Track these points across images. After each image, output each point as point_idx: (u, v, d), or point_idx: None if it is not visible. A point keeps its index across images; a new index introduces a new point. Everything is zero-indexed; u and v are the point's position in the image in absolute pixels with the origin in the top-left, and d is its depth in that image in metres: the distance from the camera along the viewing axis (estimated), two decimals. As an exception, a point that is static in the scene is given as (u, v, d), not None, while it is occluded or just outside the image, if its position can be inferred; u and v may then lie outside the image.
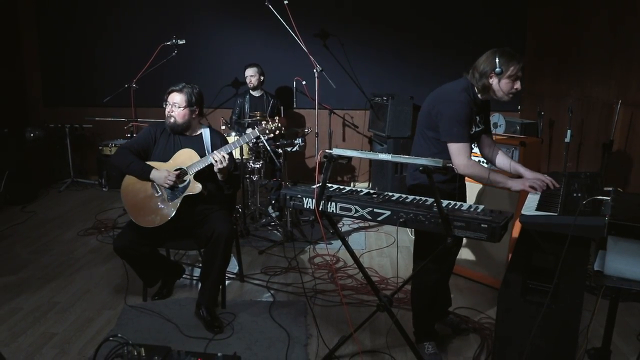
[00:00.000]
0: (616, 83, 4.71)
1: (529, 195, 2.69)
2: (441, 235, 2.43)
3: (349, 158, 2.61)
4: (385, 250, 4.86)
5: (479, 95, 2.89)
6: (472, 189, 3.92)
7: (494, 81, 2.81)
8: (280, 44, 6.74)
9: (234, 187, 3.55)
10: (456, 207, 2.54)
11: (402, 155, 2.56)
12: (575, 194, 2.60)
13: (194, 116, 3.53)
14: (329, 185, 2.81)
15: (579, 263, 2.43)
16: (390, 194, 2.76)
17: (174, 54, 6.16)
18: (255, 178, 5.43)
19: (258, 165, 5.35)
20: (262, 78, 6.00)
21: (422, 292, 3.07)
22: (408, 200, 2.68)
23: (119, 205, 5.98)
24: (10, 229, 5.35)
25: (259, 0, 5.34)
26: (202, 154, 3.43)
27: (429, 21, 6.90)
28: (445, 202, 2.57)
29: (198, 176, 3.39)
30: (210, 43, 7.12)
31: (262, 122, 3.45)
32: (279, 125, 3.44)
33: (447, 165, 2.33)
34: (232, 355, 2.23)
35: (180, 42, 6.08)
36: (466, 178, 3.19)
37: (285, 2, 5.15)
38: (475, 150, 3.32)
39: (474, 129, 2.91)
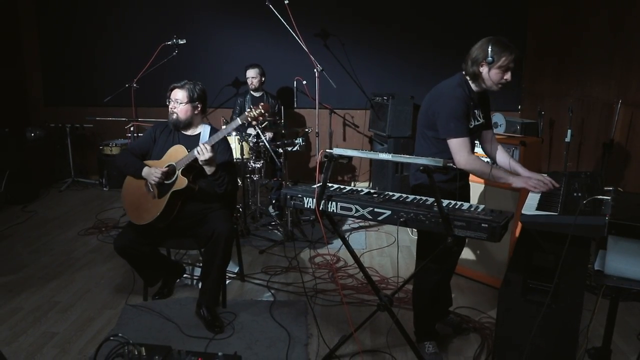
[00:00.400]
0: (616, 83, 4.72)
1: (530, 195, 2.69)
2: (442, 235, 2.43)
3: (350, 158, 2.61)
4: (386, 250, 4.87)
5: (473, 88, 2.88)
6: (475, 189, 3.92)
7: (484, 70, 2.79)
8: (280, 43, 6.74)
9: (225, 185, 3.43)
10: (457, 207, 2.54)
11: (402, 155, 2.57)
12: (575, 194, 2.60)
13: (196, 112, 3.53)
14: (330, 184, 2.81)
15: (579, 263, 2.43)
16: (391, 193, 2.76)
17: (174, 53, 6.16)
18: (255, 178, 5.43)
19: (258, 165, 5.35)
20: (263, 79, 6.00)
21: (423, 292, 3.07)
22: (408, 199, 2.68)
23: (119, 205, 5.98)
24: (11, 229, 5.36)
25: (260, 0, 5.35)
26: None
27: (429, 21, 6.90)
28: (445, 202, 2.57)
29: (189, 172, 3.37)
30: (211, 43, 7.12)
31: (245, 111, 3.41)
32: (262, 111, 3.39)
33: (448, 164, 2.32)
34: (232, 355, 2.23)
35: (181, 41, 6.08)
36: (470, 177, 3.18)
37: (286, 2, 5.15)
38: (478, 150, 3.32)
39: (473, 123, 2.89)
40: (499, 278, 3.79)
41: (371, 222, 5.28)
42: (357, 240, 5.11)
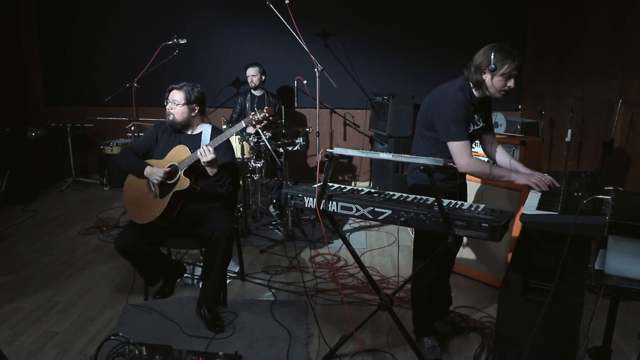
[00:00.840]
0: (617, 82, 4.72)
1: (530, 195, 2.69)
2: (440, 234, 2.43)
3: (350, 157, 2.61)
4: (386, 250, 4.87)
5: (475, 94, 2.89)
6: (471, 188, 3.92)
7: (487, 77, 2.79)
8: (281, 43, 6.75)
9: (227, 186, 3.41)
10: (457, 207, 2.54)
11: (402, 155, 2.57)
12: (575, 193, 2.60)
13: (193, 114, 3.53)
14: (330, 184, 2.81)
15: (580, 262, 2.43)
16: (391, 193, 2.76)
17: (175, 53, 6.16)
18: (256, 177, 5.43)
19: (259, 165, 5.36)
20: (263, 77, 6.00)
21: (421, 290, 3.08)
22: (409, 199, 2.68)
23: (120, 204, 5.99)
24: (12, 228, 5.36)
25: (260, 0, 5.35)
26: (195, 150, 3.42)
27: (429, 21, 6.91)
28: (446, 202, 2.57)
29: (192, 173, 3.38)
30: (212, 42, 7.12)
31: (250, 114, 3.42)
32: (267, 115, 3.40)
33: (448, 164, 2.33)
34: (233, 354, 2.23)
35: (182, 41, 6.08)
36: (467, 176, 3.19)
37: (286, 1, 5.15)
38: (478, 150, 3.33)
39: (472, 128, 2.90)
40: (499, 277, 3.80)
41: (372, 222, 5.29)
42: (358, 239, 5.11)
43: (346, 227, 5.51)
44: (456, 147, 2.79)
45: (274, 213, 5.59)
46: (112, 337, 2.21)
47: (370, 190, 2.82)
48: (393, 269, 4.37)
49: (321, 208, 2.66)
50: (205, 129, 3.58)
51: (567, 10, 5.83)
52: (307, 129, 5.75)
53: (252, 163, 5.34)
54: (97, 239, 5.07)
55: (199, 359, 2.19)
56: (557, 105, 5.86)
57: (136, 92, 6.16)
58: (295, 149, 5.42)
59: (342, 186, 2.87)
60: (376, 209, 2.54)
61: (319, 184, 2.67)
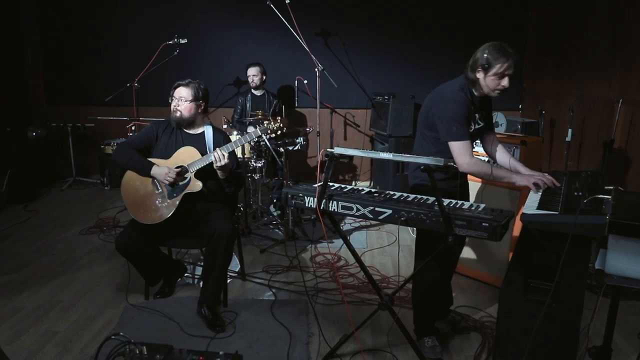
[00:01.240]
0: (617, 82, 4.72)
1: (530, 194, 2.70)
2: (442, 234, 2.44)
3: (351, 157, 2.61)
4: (387, 249, 4.87)
5: (475, 93, 2.89)
6: (472, 187, 3.92)
7: (480, 75, 2.79)
8: (281, 43, 6.75)
9: (235, 186, 3.53)
10: (457, 206, 2.54)
11: (403, 154, 2.57)
12: (576, 193, 2.60)
13: (199, 111, 3.55)
14: (331, 184, 2.82)
15: (580, 262, 2.43)
16: (392, 192, 2.76)
17: (175, 53, 6.17)
18: (257, 177, 5.43)
19: (260, 164, 5.36)
20: (264, 77, 6.00)
21: (422, 290, 3.08)
22: (409, 199, 2.68)
23: (120, 204, 5.99)
24: (13, 228, 5.36)
25: (261, 0, 5.35)
26: (203, 152, 3.43)
27: (430, 20, 6.91)
28: (446, 201, 2.57)
29: (199, 174, 3.39)
30: (212, 42, 7.12)
31: (264, 122, 3.46)
32: (281, 125, 3.45)
33: (449, 164, 2.33)
34: (233, 354, 2.23)
35: (182, 41, 6.09)
36: (468, 176, 3.19)
37: (287, 1, 5.15)
38: (479, 149, 3.33)
39: (473, 127, 2.90)
40: (499, 277, 3.80)
41: (372, 221, 5.28)
42: (358, 239, 5.12)
43: (347, 226, 5.51)
44: (457, 147, 2.79)
45: (275, 212, 5.60)
46: (113, 337, 2.21)
47: (370, 190, 2.82)
48: (393, 269, 4.37)
49: (322, 208, 2.67)
50: (207, 130, 3.59)
51: (567, 9, 5.83)
52: (308, 129, 5.75)
53: (253, 163, 5.34)
54: (97, 239, 5.07)
55: (199, 359, 2.19)
56: (557, 105, 5.86)
57: (137, 91, 6.18)
58: (295, 148, 5.42)
59: (343, 186, 2.87)
60: (377, 209, 2.55)
61: (319, 184, 2.67)
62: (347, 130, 7.27)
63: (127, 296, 3.74)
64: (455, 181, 2.96)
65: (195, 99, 3.48)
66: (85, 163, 7.53)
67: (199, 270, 4.25)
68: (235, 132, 5.27)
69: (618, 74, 4.70)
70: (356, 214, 2.61)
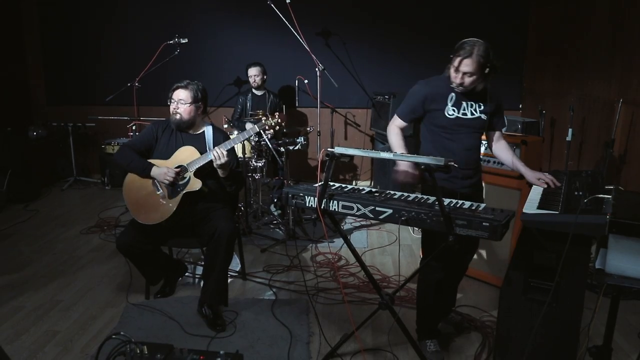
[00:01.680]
0: (617, 82, 4.72)
1: (531, 194, 2.70)
2: (445, 233, 2.43)
3: (351, 157, 2.62)
4: (387, 249, 4.87)
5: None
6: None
7: (449, 67, 2.87)
8: (282, 42, 6.74)
9: (236, 185, 3.53)
10: (458, 206, 2.54)
11: (403, 154, 2.57)
12: (576, 193, 2.60)
13: (199, 112, 3.55)
14: (331, 183, 2.82)
15: (580, 261, 2.44)
16: (392, 192, 2.77)
17: (176, 52, 6.18)
18: (257, 176, 5.44)
19: (260, 164, 5.36)
20: (264, 77, 6.00)
21: (425, 291, 3.08)
22: (410, 198, 2.68)
23: (121, 203, 6.00)
24: (13, 227, 5.37)
25: (262, -1, 5.36)
26: (203, 152, 3.43)
27: (430, 20, 6.91)
28: (447, 201, 2.58)
29: (199, 173, 3.39)
30: (213, 42, 7.13)
31: (262, 118, 3.45)
32: (279, 121, 3.44)
33: (449, 163, 2.33)
34: (234, 353, 2.23)
35: (183, 40, 6.09)
36: (482, 179, 3.18)
37: (288, 1, 5.16)
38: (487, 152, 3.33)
39: (455, 114, 2.94)
40: (500, 277, 3.80)
41: (373, 221, 5.29)
42: (359, 238, 5.12)
43: (347, 226, 5.52)
44: (393, 118, 3.10)
45: (275, 212, 5.60)
46: (114, 336, 2.21)
47: (371, 190, 2.82)
48: (394, 268, 4.37)
49: (322, 207, 2.67)
50: (207, 129, 3.59)
51: (567, 9, 5.83)
52: (308, 129, 5.76)
53: (254, 162, 5.34)
54: (98, 238, 5.08)
55: (200, 358, 2.19)
56: (557, 105, 5.86)
57: (137, 91, 6.18)
58: (296, 148, 5.43)
59: (343, 185, 2.87)
60: (377, 208, 2.55)
61: (320, 183, 2.68)
62: (348, 130, 7.27)
63: (128, 296, 3.74)
64: (465, 181, 2.97)
65: (194, 100, 3.48)
66: (86, 163, 7.53)
67: (199, 270, 4.26)
68: (235, 132, 5.27)
69: (618, 74, 4.70)
70: (357, 213, 2.61)
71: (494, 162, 3.84)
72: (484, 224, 2.32)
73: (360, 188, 2.87)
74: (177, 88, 3.50)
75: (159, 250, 3.65)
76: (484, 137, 3.19)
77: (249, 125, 5.47)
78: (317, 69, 5.37)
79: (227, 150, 3.29)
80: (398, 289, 2.92)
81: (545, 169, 5.43)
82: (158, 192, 3.42)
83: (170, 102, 3.51)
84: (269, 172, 5.95)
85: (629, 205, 2.38)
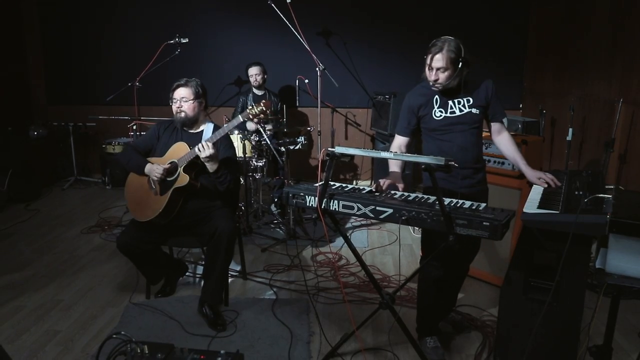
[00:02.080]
0: (617, 81, 4.72)
1: (531, 194, 2.69)
2: (445, 233, 2.43)
3: (352, 156, 2.62)
4: (388, 248, 4.87)
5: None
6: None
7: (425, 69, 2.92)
8: (282, 42, 6.75)
9: (227, 183, 3.44)
10: (458, 205, 2.54)
11: (404, 154, 2.57)
12: (576, 192, 2.60)
13: (202, 108, 3.57)
14: (332, 183, 2.82)
15: (581, 261, 2.44)
16: (393, 191, 2.77)
17: (177, 52, 6.18)
18: (258, 176, 5.44)
19: (261, 164, 5.36)
20: (265, 76, 6.00)
21: (425, 290, 3.08)
22: (410, 198, 2.68)
23: (122, 203, 6.01)
24: (14, 227, 5.37)
25: (262, -1, 5.36)
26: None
27: (430, 20, 6.90)
28: (447, 200, 2.58)
29: (191, 169, 3.38)
30: (213, 41, 7.13)
31: (247, 109, 3.44)
32: (263, 108, 3.40)
33: (449, 163, 2.33)
34: (234, 353, 2.23)
35: (184, 40, 6.10)
36: (487, 179, 3.18)
37: (288, 0, 5.16)
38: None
39: (442, 114, 2.96)
40: (500, 276, 3.80)
41: (373, 221, 5.28)
42: (359, 238, 5.12)
43: (347, 225, 5.52)
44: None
45: (276, 212, 5.60)
46: (114, 336, 2.21)
47: (371, 189, 2.82)
48: (394, 268, 4.37)
49: (323, 207, 2.67)
50: (207, 127, 3.59)
51: (568, 9, 5.83)
52: (309, 128, 5.76)
53: (254, 162, 5.35)
54: (99, 238, 5.08)
55: (200, 358, 2.19)
56: (558, 104, 5.86)
57: (138, 91, 6.18)
58: (296, 147, 5.43)
59: (344, 185, 2.87)
60: (377, 208, 2.55)
61: (320, 183, 2.68)
62: (348, 130, 7.27)
63: (129, 295, 3.74)
64: (465, 181, 2.97)
65: (196, 96, 3.49)
66: (87, 162, 7.54)
67: (200, 269, 4.26)
68: (236, 132, 5.27)
69: (619, 74, 4.71)
70: (357, 213, 2.61)
71: (495, 161, 3.85)
72: (484, 223, 2.31)
73: (361, 187, 2.87)
74: (178, 87, 3.50)
75: (160, 250, 3.65)
76: (486, 135, 3.19)
77: (250, 125, 5.47)
78: (317, 69, 5.36)
79: (212, 143, 3.27)
80: (398, 288, 2.92)
81: (546, 168, 5.42)
82: (152, 190, 3.44)
83: (172, 102, 3.51)
84: (270, 171, 5.96)
85: (630, 204, 2.38)
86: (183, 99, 3.46)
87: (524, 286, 2.57)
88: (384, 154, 2.60)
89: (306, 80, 5.77)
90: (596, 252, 2.30)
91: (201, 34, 6.99)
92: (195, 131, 3.58)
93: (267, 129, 5.30)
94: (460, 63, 2.82)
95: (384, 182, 2.72)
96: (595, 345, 2.46)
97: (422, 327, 3.14)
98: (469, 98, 2.96)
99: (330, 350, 3.01)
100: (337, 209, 2.66)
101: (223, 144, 3.49)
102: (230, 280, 3.93)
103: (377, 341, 3.24)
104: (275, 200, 5.77)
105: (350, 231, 5.34)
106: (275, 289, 3.96)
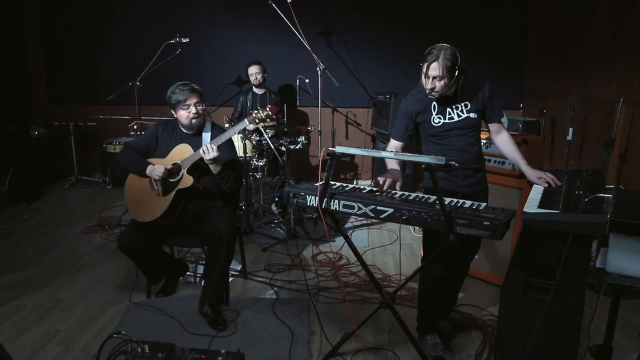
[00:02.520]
0: (618, 81, 4.72)
1: (531, 193, 2.70)
2: (446, 232, 2.44)
3: (352, 156, 2.62)
4: (388, 248, 4.87)
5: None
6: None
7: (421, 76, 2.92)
8: (283, 42, 6.75)
9: (231, 183, 3.46)
10: (458, 205, 2.54)
11: (404, 153, 2.57)
12: (577, 192, 2.60)
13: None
14: (332, 182, 2.82)
15: (581, 260, 2.44)
16: (393, 191, 2.77)
17: (177, 52, 6.18)
18: (258, 176, 5.44)
19: (261, 163, 5.36)
20: (265, 75, 6.00)
21: (425, 289, 3.08)
22: (411, 197, 2.68)
23: (122, 202, 6.01)
24: (15, 227, 5.38)
25: (263, -1, 5.36)
26: (197, 149, 3.42)
27: (431, 20, 6.89)
28: (447, 200, 2.58)
29: (194, 171, 3.39)
30: (214, 41, 7.13)
31: (252, 112, 3.45)
32: (269, 113, 3.41)
33: (450, 162, 2.33)
34: (235, 352, 2.23)
35: (184, 40, 6.09)
36: (488, 179, 3.19)
37: (289, 0, 5.16)
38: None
39: (440, 121, 2.96)
40: (500, 276, 3.80)
41: (373, 220, 5.29)
42: (360, 238, 5.12)
43: (348, 225, 5.52)
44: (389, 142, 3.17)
45: (276, 211, 5.61)
46: (115, 335, 2.21)
47: (372, 189, 2.83)
48: (395, 267, 4.37)
49: (323, 206, 2.67)
50: (206, 127, 3.59)
51: (568, 9, 5.83)
52: (309, 128, 5.76)
53: (255, 161, 5.35)
54: (99, 237, 5.09)
55: (201, 357, 2.19)
56: (558, 104, 5.86)
57: (139, 91, 6.18)
58: (297, 147, 5.43)
59: (344, 184, 2.87)
60: (378, 208, 2.55)
61: (321, 183, 2.68)
62: (349, 129, 7.27)
63: (129, 295, 3.75)
64: (466, 180, 2.97)
65: (204, 99, 3.53)
66: (87, 162, 7.53)
67: (200, 269, 4.26)
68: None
69: (619, 73, 4.71)
70: (358, 212, 2.61)
71: (495, 161, 3.85)
72: (484, 223, 2.31)
73: (361, 187, 2.87)
74: (191, 92, 3.43)
75: (160, 250, 3.65)
76: (485, 135, 3.19)
77: (244, 122, 5.45)
78: (318, 69, 5.36)
79: (217, 145, 3.27)
80: (399, 288, 2.92)
81: (546, 168, 5.41)
82: (153, 190, 3.44)
83: (183, 108, 3.43)
84: (270, 171, 5.96)
85: (630, 204, 2.38)
86: (197, 104, 3.45)
87: (524, 286, 2.57)
88: (384, 154, 2.60)
89: (307, 80, 5.77)
90: (596, 251, 2.30)
91: (201, 33, 6.99)
92: (195, 132, 3.58)
93: (269, 134, 5.30)
94: (457, 71, 2.81)
95: (384, 180, 2.72)
96: (595, 345, 2.46)
97: (423, 326, 3.15)
98: (466, 103, 2.97)
99: (331, 349, 3.02)
100: (337, 209, 2.66)
101: (225, 145, 3.50)
102: (230, 279, 3.93)
103: (377, 340, 3.25)
104: (276, 199, 5.77)
105: (351, 231, 5.34)
106: (275, 289, 3.97)
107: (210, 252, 3.41)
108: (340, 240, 4.92)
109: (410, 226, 5.14)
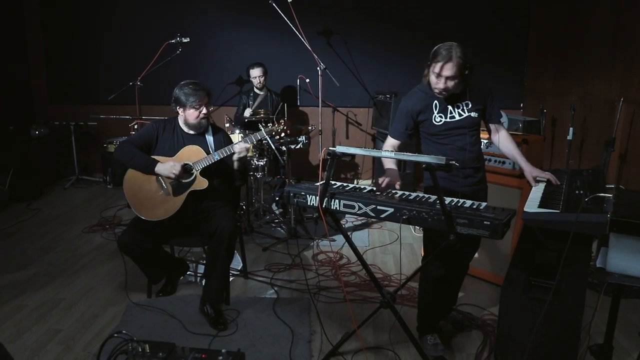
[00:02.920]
0: (618, 81, 4.72)
1: (532, 193, 2.70)
2: (446, 232, 2.44)
3: (353, 155, 2.63)
4: (389, 247, 4.88)
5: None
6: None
7: (427, 70, 2.90)
8: (283, 42, 6.75)
9: (241, 179, 3.64)
10: (459, 205, 2.54)
11: (404, 153, 2.57)
12: (577, 191, 2.60)
13: None
14: (333, 182, 2.82)
15: (581, 260, 2.44)
16: (394, 191, 2.77)
17: (178, 52, 6.18)
18: (259, 175, 5.44)
19: (262, 163, 5.36)
20: (266, 77, 6.01)
21: (426, 289, 3.08)
22: (411, 197, 2.69)
23: (123, 202, 6.01)
24: (16, 226, 5.38)
25: (263, -1, 5.36)
26: (206, 150, 3.45)
27: (431, 19, 6.89)
28: (448, 200, 2.58)
29: (204, 172, 3.41)
30: (214, 41, 7.13)
31: (269, 124, 3.52)
32: (285, 128, 3.52)
33: (450, 162, 2.33)
34: (236, 352, 2.23)
35: (185, 40, 6.10)
36: (488, 178, 3.19)
37: (289, 0, 5.16)
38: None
39: (442, 120, 2.95)
40: (501, 275, 3.79)
41: (374, 220, 5.29)
42: (360, 237, 5.12)
43: (348, 224, 5.52)
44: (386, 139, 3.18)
45: (277, 211, 5.61)
46: (115, 335, 2.22)
47: (372, 188, 2.83)
48: (395, 267, 4.38)
49: (324, 206, 2.67)
50: (208, 128, 3.60)
51: (568, 9, 5.83)
52: (310, 127, 5.76)
53: (255, 161, 5.35)
54: (100, 237, 5.09)
55: (202, 357, 2.19)
56: (558, 104, 5.86)
57: (139, 90, 6.18)
58: (297, 147, 5.43)
59: (345, 184, 2.87)
60: (378, 207, 2.55)
61: (321, 182, 2.68)
62: (349, 129, 7.27)
63: (130, 294, 3.74)
64: (467, 180, 2.97)
65: (212, 100, 3.55)
66: (88, 161, 7.54)
67: (201, 269, 4.26)
68: (237, 131, 5.27)
69: (619, 73, 4.71)
70: (358, 212, 2.62)
71: (495, 160, 3.85)
72: (485, 222, 2.32)
73: (362, 187, 2.87)
74: (206, 93, 3.47)
75: (161, 249, 3.65)
76: (485, 135, 3.19)
77: (247, 112, 5.50)
78: (318, 68, 5.36)
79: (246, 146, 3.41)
80: (399, 287, 2.92)
81: (546, 167, 5.40)
82: (162, 189, 3.42)
83: (195, 108, 3.45)
84: (271, 170, 5.96)
85: (630, 204, 2.38)
86: (207, 105, 3.50)
87: (524, 285, 2.57)
88: (385, 154, 2.61)
89: (307, 80, 5.77)
90: (597, 251, 2.30)
91: (202, 33, 6.99)
92: (198, 132, 3.58)
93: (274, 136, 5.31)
94: (467, 70, 2.80)
95: (383, 181, 2.72)
96: (595, 344, 2.46)
97: (423, 326, 3.15)
98: (467, 102, 2.96)
99: (331, 349, 3.02)
100: (338, 208, 2.66)
101: (225, 143, 3.54)
102: (231, 279, 3.93)
103: (378, 340, 3.25)
104: (277, 199, 5.77)
105: (351, 230, 5.34)
106: (276, 288, 3.97)
107: (211, 251, 3.41)
108: (340, 239, 4.92)
109: (410, 226, 5.14)
